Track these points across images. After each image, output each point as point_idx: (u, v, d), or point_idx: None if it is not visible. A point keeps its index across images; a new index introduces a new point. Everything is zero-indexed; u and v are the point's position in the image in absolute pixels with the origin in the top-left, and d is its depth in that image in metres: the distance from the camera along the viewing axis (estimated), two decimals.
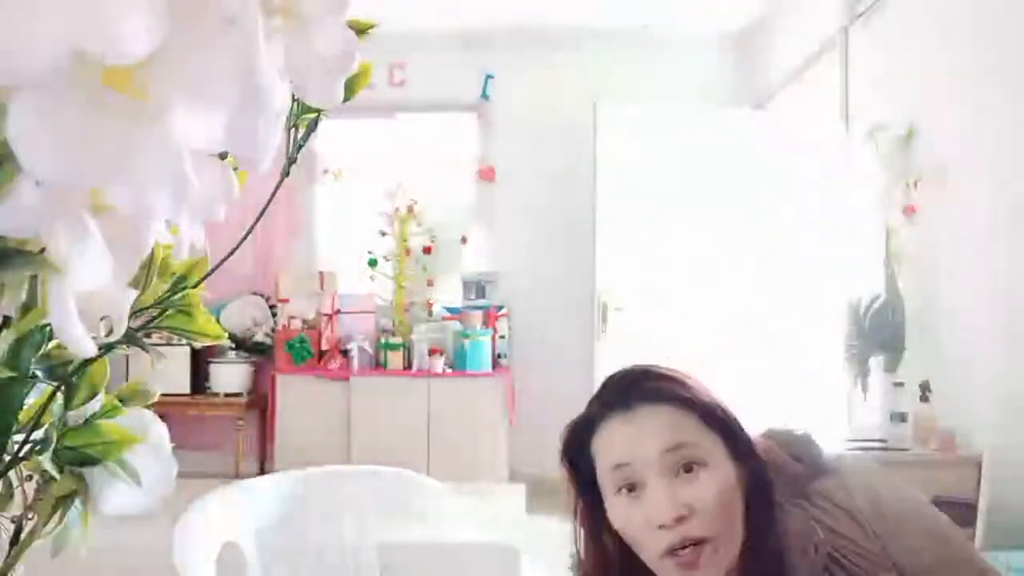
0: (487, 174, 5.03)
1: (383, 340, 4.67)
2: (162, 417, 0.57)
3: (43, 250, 0.36)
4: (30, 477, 0.51)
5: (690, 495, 0.93)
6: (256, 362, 4.73)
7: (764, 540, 0.96)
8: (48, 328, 0.43)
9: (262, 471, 4.71)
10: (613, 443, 0.99)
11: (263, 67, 0.34)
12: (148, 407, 0.55)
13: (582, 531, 1.06)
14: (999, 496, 2.26)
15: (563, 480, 1.07)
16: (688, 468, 0.95)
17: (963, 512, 2.35)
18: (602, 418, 1.01)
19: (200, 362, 4.61)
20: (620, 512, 0.98)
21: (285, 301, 4.76)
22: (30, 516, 0.51)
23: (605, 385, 1.06)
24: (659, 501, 0.93)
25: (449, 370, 4.58)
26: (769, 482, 0.99)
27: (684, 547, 0.92)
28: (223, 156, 0.41)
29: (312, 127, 0.52)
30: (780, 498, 0.98)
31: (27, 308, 0.40)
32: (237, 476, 4.46)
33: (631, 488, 0.97)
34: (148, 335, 0.51)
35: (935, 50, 2.94)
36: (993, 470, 2.28)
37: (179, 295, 0.52)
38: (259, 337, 4.74)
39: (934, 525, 1.00)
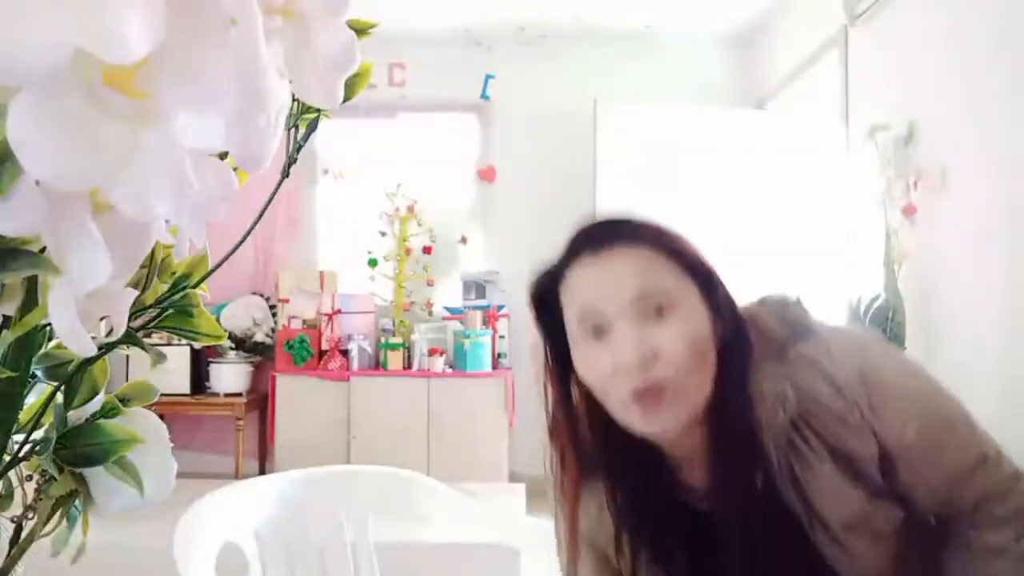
0: (487, 174, 5.03)
1: (383, 340, 4.67)
2: (162, 417, 0.57)
3: (43, 250, 0.36)
4: (30, 477, 0.51)
5: (658, 338, 0.89)
6: (256, 362, 4.73)
7: (732, 396, 0.92)
8: (48, 328, 0.43)
9: (262, 471, 4.71)
10: (584, 285, 0.95)
11: (263, 67, 0.34)
12: (148, 407, 0.55)
13: (550, 386, 1.02)
14: None
15: (531, 333, 1.03)
16: (659, 312, 0.91)
17: None
18: (573, 260, 0.97)
19: (200, 362, 4.61)
20: (586, 358, 0.94)
21: (285, 301, 4.76)
22: (30, 516, 0.51)
23: (575, 233, 1.00)
24: (626, 344, 0.89)
25: (449, 370, 4.58)
26: (746, 340, 0.95)
27: (650, 391, 0.88)
28: (223, 156, 0.41)
29: (312, 127, 0.52)
30: (759, 358, 0.95)
31: (27, 308, 0.40)
32: (237, 476, 4.46)
33: (598, 333, 0.93)
34: (148, 335, 0.52)
35: (935, 50, 2.94)
36: None
37: (179, 295, 0.52)
38: (259, 337, 4.74)
39: (930, 403, 0.95)
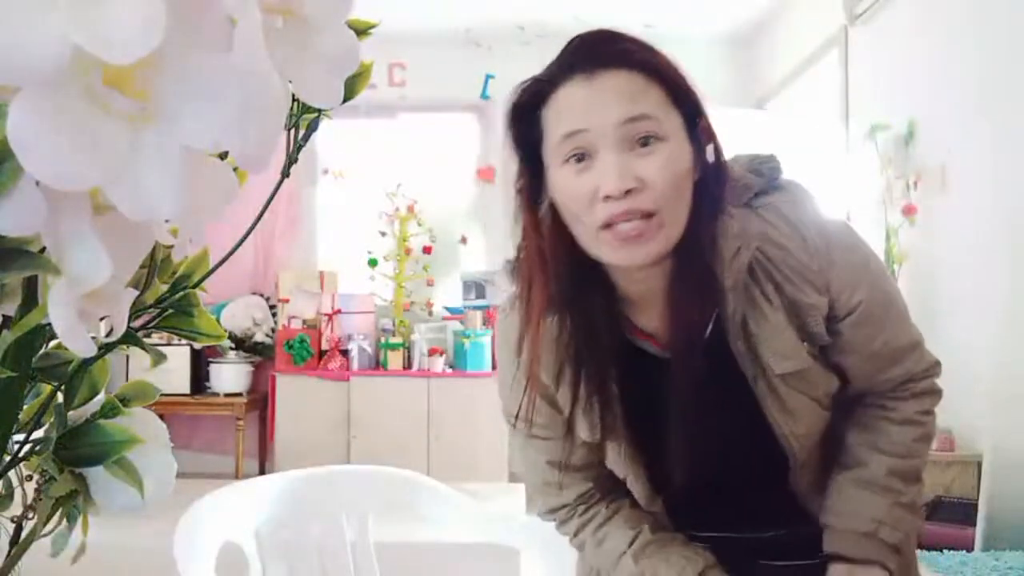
0: (487, 174, 5.03)
1: (383, 340, 4.67)
2: (162, 417, 0.57)
3: (43, 250, 0.36)
4: (30, 477, 0.51)
5: (643, 168, 0.89)
6: (256, 362, 4.73)
7: (702, 233, 0.93)
8: (48, 328, 0.43)
9: (262, 471, 4.71)
10: (570, 108, 0.93)
11: (263, 67, 0.34)
12: (148, 407, 0.55)
13: (521, 211, 1.00)
14: (999, 496, 2.26)
15: (504, 151, 1.01)
16: (644, 142, 0.90)
17: (963, 512, 2.35)
18: (560, 80, 0.95)
19: (200, 362, 4.61)
20: (565, 182, 0.93)
21: (285, 301, 4.76)
22: (30, 516, 0.51)
23: (568, 46, 1.00)
24: (610, 171, 0.88)
25: (449, 370, 4.58)
26: (723, 179, 0.96)
27: (629, 220, 0.89)
28: (223, 156, 0.41)
29: (312, 127, 0.52)
30: (730, 202, 0.97)
31: (27, 308, 0.40)
32: (237, 476, 4.46)
33: (580, 158, 0.91)
34: (148, 335, 0.52)
35: (935, 49, 2.94)
36: (993, 470, 2.28)
37: (179, 295, 0.52)
38: (259, 337, 4.74)
39: (879, 280, 1.02)
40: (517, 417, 1.04)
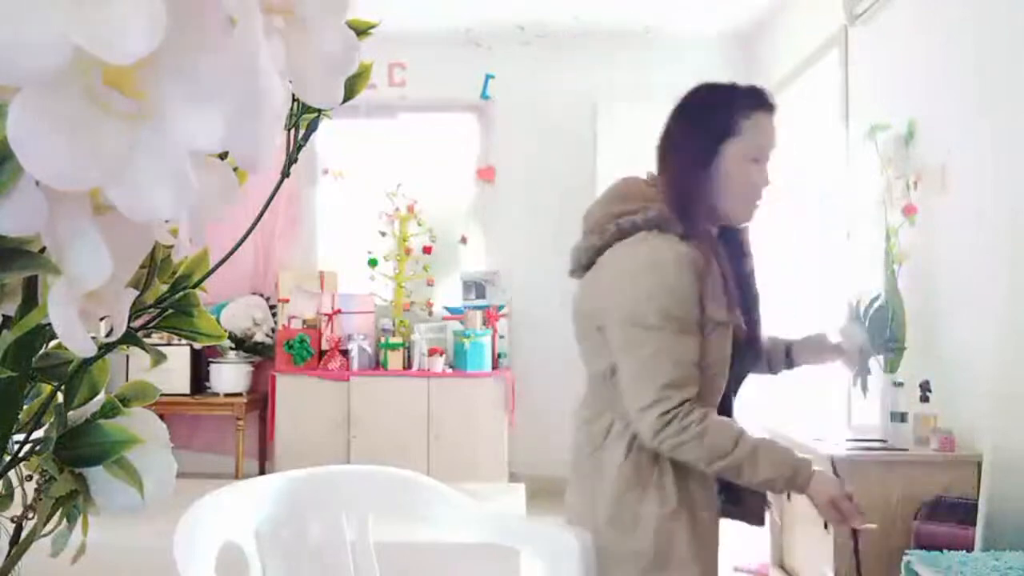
0: (487, 174, 5.03)
1: (383, 340, 4.67)
2: (162, 417, 0.57)
3: (43, 250, 0.36)
4: (30, 477, 0.51)
5: None
6: (256, 362, 4.73)
7: None
8: (48, 328, 0.43)
9: (262, 471, 4.71)
10: (765, 131, 1.51)
11: (263, 67, 0.34)
12: (148, 407, 0.55)
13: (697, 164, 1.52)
14: (999, 496, 2.26)
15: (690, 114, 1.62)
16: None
17: (963, 512, 2.35)
18: (762, 110, 1.51)
19: (200, 362, 4.61)
20: (746, 171, 1.49)
21: (285, 301, 4.76)
22: (30, 516, 0.51)
23: (760, 88, 1.58)
24: (769, 174, 1.51)
25: (449, 370, 4.58)
26: None
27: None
28: (223, 156, 0.41)
29: (312, 127, 0.52)
30: None
31: (27, 308, 0.40)
32: (237, 476, 4.46)
33: (757, 161, 1.50)
34: (148, 335, 0.51)
35: (935, 49, 2.94)
36: (994, 470, 2.28)
37: (179, 295, 0.52)
38: (259, 337, 4.74)
39: None
40: (676, 318, 1.40)
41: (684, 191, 1.48)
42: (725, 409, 1.51)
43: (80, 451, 0.49)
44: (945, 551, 2.00)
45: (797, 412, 3.76)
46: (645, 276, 1.42)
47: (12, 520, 0.51)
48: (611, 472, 1.47)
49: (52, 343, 0.47)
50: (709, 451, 1.38)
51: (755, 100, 1.52)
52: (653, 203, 1.48)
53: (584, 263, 1.58)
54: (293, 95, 0.42)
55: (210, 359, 4.60)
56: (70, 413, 0.50)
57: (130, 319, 0.44)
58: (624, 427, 1.47)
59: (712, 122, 1.52)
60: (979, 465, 2.45)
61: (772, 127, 1.51)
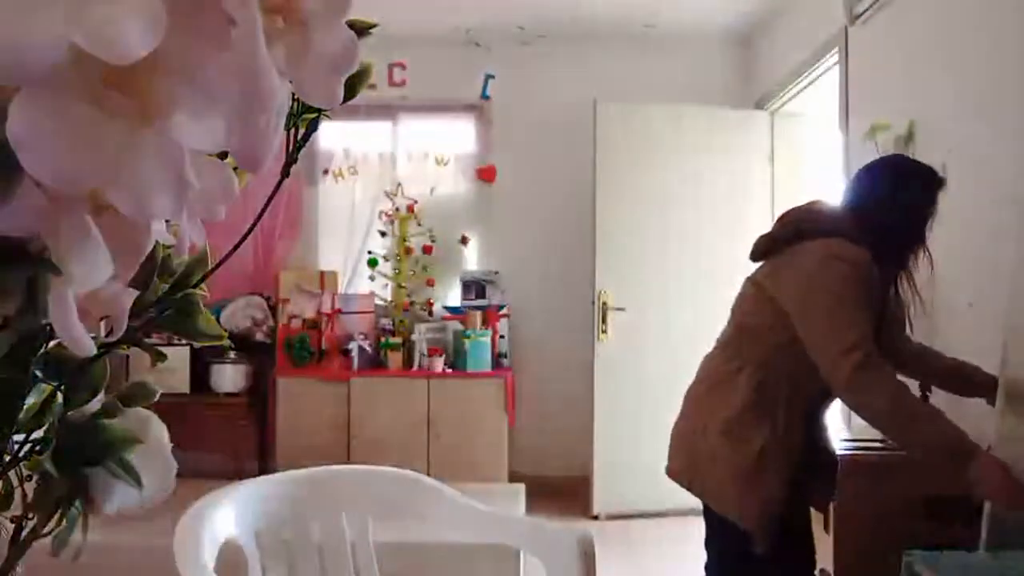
0: (487, 174, 5.03)
1: (383, 340, 4.67)
2: (162, 417, 0.57)
3: (43, 250, 0.36)
4: (30, 477, 0.51)
5: None
6: (256, 362, 4.72)
7: None
8: (48, 328, 0.43)
9: (262, 471, 4.71)
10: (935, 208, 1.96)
11: (263, 67, 0.34)
12: (148, 407, 0.55)
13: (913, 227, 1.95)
14: None
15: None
16: None
17: (963, 512, 2.35)
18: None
19: (200, 362, 4.61)
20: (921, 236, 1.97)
21: (285, 301, 4.76)
22: (30, 516, 0.51)
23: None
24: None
25: (449, 370, 4.58)
26: None
27: None
28: (223, 156, 0.41)
29: (312, 127, 0.52)
30: None
31: (27, 308, 0.40)
32: (237, 476, 4.45)
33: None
34: (148, 335, 0.51)
35: (935, 50, 2.94)
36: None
37: (179, 295, 0.52)
38: (259, 337, 4.74)
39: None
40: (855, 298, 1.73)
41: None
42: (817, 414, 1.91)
43: (80, 451, 0.49)
44: (945, 551, 2.00)
45: None
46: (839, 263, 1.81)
47: (12, 520, 0.51)
48: (736, 398, 1.81)
49: (52, 343, 0.47)
50: (897, 391, 1.67)
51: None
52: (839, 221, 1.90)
53: (763, 250, 1.98)
54: (293, 95, 0.42)
55: (210, 359, 4.60)
56: (70, 413, 0.50)
57: (130, 319, 0.44)
58: (754, 371, 1.82)
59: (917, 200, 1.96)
60: None
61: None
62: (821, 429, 1.95)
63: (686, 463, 1.94)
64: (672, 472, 1.97)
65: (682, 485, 1.94)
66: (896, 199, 1.94)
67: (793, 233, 1.91)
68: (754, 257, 2.01)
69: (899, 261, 1.92)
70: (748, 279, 2.00)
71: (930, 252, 1.99)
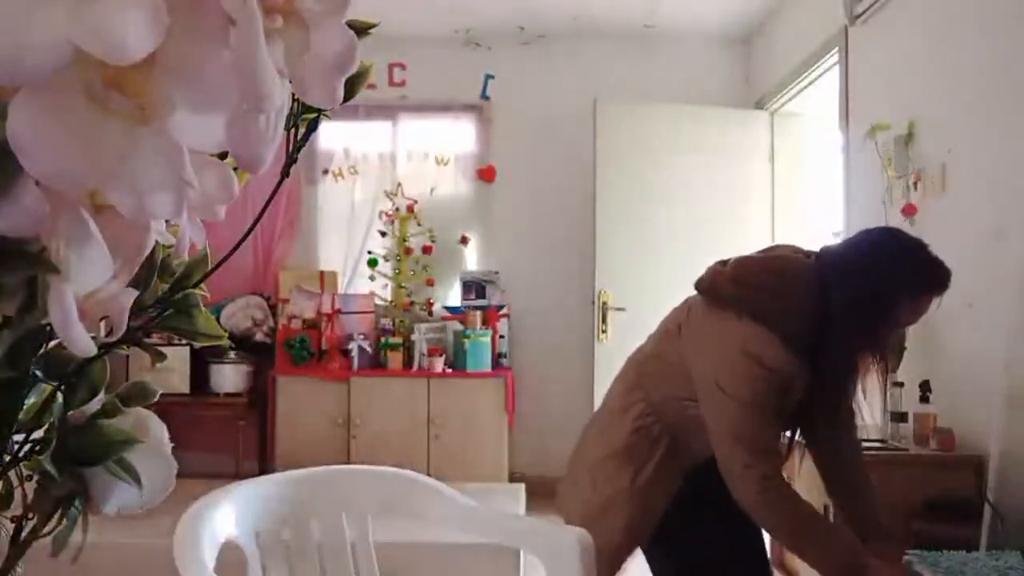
0: (487, 174, 5.03)
1: (383, 340, 4.66)
2: (162, 417, 0.57)
3: (43, 250, 0.36)
4: (30, 477, 0.51)
5: None
6: (256, 362, 4.72)
7: None
8: (48, 328, 0.43)
9: (262, 471, 4.70)
10: (923, 311, 1.63)
11: (263, 67, 0.34)
12: (148, 407, 0.55)
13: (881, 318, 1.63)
14: (1004, 496, 2.26)
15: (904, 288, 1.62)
16: None
17: (963, 512, 2.35)
18: (931, 294, 1.62)
19: (200, 362, 4.61)
20: (884, 336, 1.69)
21: (285, 301, 4.75)
22: (30, 516, 0.51)
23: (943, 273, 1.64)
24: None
25: (449, 370, 4.58)
26: None
27: None
28: (223, 156, 0.41)
29: (312, 127, 0.52)
30: None
31: (27, 308, 0.40)
32: (237, 476, 4.46)
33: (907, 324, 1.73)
34: (148, 335, 0.51)
35: (935, 50, 2.93)
36: (1000, 469, 2.28)
37: (179, 295, 0.52)
38: (259, 337, 4.74)
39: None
40: (763, 406, 1.57)
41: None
42: None
43: (80, 451, 0.49)
44: (945, 551, 2.00)
45: None
46: None
47: (12, 520, 0.51)
48: (615, 437, 1.77)
49: (52, 343, 0.47)
50: (796, 515, 1.59)
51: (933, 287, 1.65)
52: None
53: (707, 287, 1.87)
54: (293, 95, 0.42)
55: (210, 359, 4.60)
56: (70, 413, 0.50)
57: (130, 319, 0.44)
58: (642, 412, 1.74)
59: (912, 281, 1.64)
60: (979, 465, 2.45)
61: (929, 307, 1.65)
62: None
63: (564, 490, 1.85)
64: (556, 500, 1.87)
65: (560, 514, 1.82)
66: (870, 274, 1.60)
67: (726, 296, 1.66)
68: (699, 289, 1.77)
69: (841, 360, 1.61)
70: (682, 310, 1.81)
71: (886, 361, 1.69)
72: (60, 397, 0.49)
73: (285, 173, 0.52)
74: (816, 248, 1.74)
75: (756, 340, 1.57)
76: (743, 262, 1.71)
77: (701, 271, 1.82)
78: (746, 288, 1.63)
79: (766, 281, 1.64)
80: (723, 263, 1.73)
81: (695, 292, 1.76)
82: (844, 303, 1.58)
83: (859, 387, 1.66)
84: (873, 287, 1.58)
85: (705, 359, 1.65)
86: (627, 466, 1.68)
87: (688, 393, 1.66)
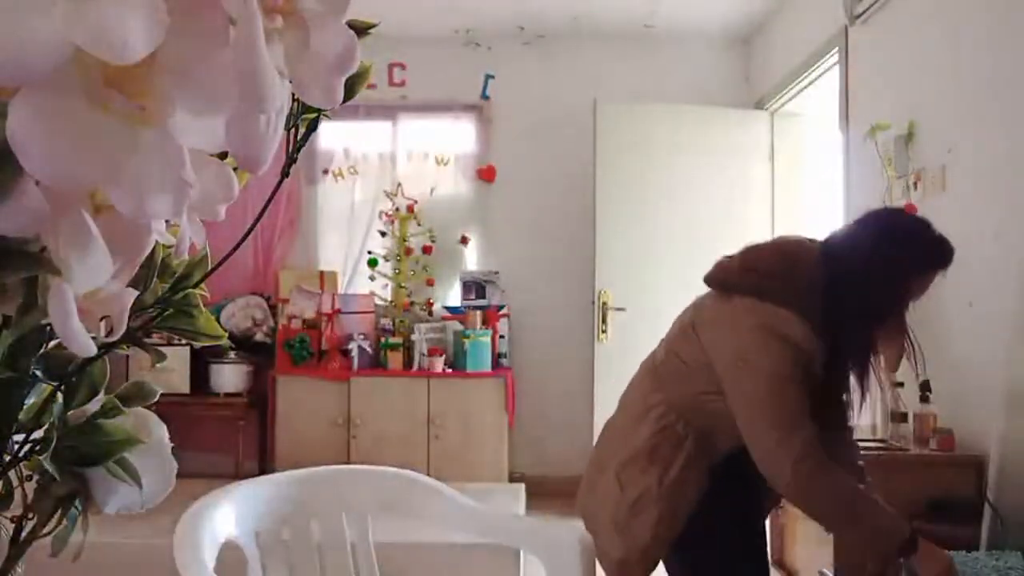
0: (487, 174, 5.03)
1: (383, 340, 4.66)
2: (162, 417, 0.57)
3: (43, 250, 0.36)
4: (30, 477, 0.51)
5: None
6: (256, 362, 4.72)
7: None
8: (48, 328, 0.43)
9: (262, 471, 4.70)
10: (927, 287, 1.65)
11: (263, 67, 0.34)
12: (148, 407, 0.55)
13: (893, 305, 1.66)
14: (1005, 496, 2.26)
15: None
16: None
17: (963, 512, 2.35)
18: (934, 272, 1.64)
19: (200, 362, 4.61)
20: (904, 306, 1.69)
21: (285, 301, 4.75)
22: (30, 516, 0.51)
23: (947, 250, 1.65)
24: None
25: (449, 370, 4.58)
26: None
27: None
28: (223, 156, 0.41)
29: (312, 127, 0.52)
30: None
31: (27, 308, 0.40)
32: (237, 476, 4.46)
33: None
34: (148, 335, 0.51)
35: (935, 50, 2.93)
36: (1000, 469, 2.28)
37: (179, 295, 0.52)
38: (259, 337, 4.74)
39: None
40: (790, 377, 1.56)
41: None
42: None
43: (80, 451, 0.49)
44: (945, 551, 2.00)
45: None
46: None
47: (12, 520, 0.51)
48: (638, 439, 1.76)
49: (52, 343, 0.47)
50: (838, 494, 1.56)
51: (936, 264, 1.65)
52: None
53: (719, 280, 1.86)
54: (293, 95, 0.42)
55: (210, 359, 4.60)
56: (70, 413, 0.50)
57: (130, 319, 0.44)
58: (665, 412, 1.73)
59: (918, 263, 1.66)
60: (979, 465, 2.45)
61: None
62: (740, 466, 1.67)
63: (585, 499, 1.81)
64: (578, 506, 1.84)
65: (584, 523, 1.79)
66: (876, 255, 1.62)
67: (736, 284, 1.68)
68: (708, 282, 1.78)
69: (857, 338, 1.62)
70: (690, 310, 1.81)
71: (912, 339, 1.71)
72: (60, 397, 0.49)
73: (285, 173, 0.52)
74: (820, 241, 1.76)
75: (774, 316, 1.57)
76: (751, 250, 1.72)
77: (701, 271, 1.81)
78: (757, 273, 1.64)
79: (775, 264, 1.65)
80: (729, 257, 1.75)
81: (704, 288, 1.76)
82: (858, 285, 1.59)
83: (874, 370, 1.67)
84: (886, 267, 1.60)
85: (725, 342, 1.64)
86: (653, 467, 1.67)
87: (709, 387, 1.64)
